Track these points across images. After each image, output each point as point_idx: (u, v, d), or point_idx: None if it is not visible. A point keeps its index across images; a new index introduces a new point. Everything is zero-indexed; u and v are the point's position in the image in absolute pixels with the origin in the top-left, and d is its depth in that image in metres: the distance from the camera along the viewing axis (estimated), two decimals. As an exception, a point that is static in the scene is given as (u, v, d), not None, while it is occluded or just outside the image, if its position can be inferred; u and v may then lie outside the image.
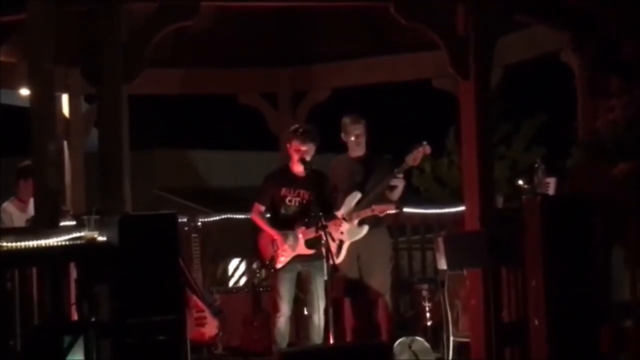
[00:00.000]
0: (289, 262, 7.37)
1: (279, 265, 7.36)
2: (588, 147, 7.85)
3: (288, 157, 7.46)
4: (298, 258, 7.38)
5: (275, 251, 7.35)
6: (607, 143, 7.70)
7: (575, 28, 8.03)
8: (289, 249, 7.33)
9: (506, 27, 7.95)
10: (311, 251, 7.32)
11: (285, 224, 7.39)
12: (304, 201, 7.39)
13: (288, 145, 7.41)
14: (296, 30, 9.87)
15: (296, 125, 7.55)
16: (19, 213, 8.10)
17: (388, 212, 7.58)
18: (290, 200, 7.40)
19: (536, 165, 7.37)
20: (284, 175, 7.45)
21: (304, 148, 7.30)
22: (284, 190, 7.40)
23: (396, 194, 7.58)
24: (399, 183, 7.55)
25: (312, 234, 7.25)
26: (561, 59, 8.46)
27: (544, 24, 8.19)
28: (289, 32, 9.91)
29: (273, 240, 7.37)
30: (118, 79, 7.00)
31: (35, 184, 7.05)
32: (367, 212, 7.55)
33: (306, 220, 7.28)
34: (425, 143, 7.56)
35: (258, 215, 7.46)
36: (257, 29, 9.67)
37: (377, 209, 7.53)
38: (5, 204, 8.30)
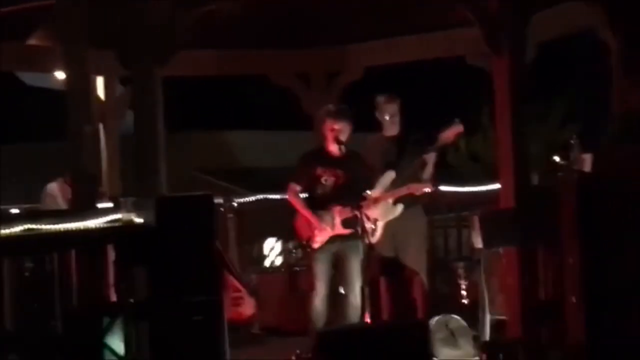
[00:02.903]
0: (325, 243, 7.39)
1: (315, 246, 7.37)
2: (624, 124, 7.79)
3: (322, 138, 7.46)
4: (334, 238, 7.39)
5: (312, 231, 7.37)
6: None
7: (612, 4, 7.94)
8: (327, 229, 7.33)
9: (541, 3, 7.89)
10: (347, 231, 7.32)
11: (320, 203, 7.40)
12: (340, 181, 7.39)
13: (322, 125, 7.42)
14: (328, 9, 9.83)
15: (329, 105, 7.55)
16: (64, 196, 8.17)
17: (424, 190, 7.58)
18: (325, 180, 7.41)
19: (572, 142, 7.32)
20: (319, 155, 7.45)
21: (337, 127, 7.30)
22: (319, 170, 7.40)
23: (427, 172, 7.57)
24: (430, 160, 7.54)
25: (347, 213, 7.26)
26: (598, 35, 8.37)
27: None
28: (322, 11, 9.87)
29: (308, 222, 7.39)
30: (152, 61, 7.03)
31: (72, 167, 7.11)
32: (403, 191, 7.55)
33: (346, 198, 7.28)
34: (458, 121, 7.54)
35: (294, 195, 7.46)
36: (289, 9, 9.64)
37: (413, 188, 7.52)
38: (51, 186, 8.38)
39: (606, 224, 6.59)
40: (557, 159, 7.84)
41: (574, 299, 6.61)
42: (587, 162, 7.48)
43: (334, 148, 7.38)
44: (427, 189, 7.59)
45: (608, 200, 6.63)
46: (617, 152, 7.63)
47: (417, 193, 7.58)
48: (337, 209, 7.36)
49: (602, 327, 6.55)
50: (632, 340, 6.56)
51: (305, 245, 7.43)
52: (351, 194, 7.24)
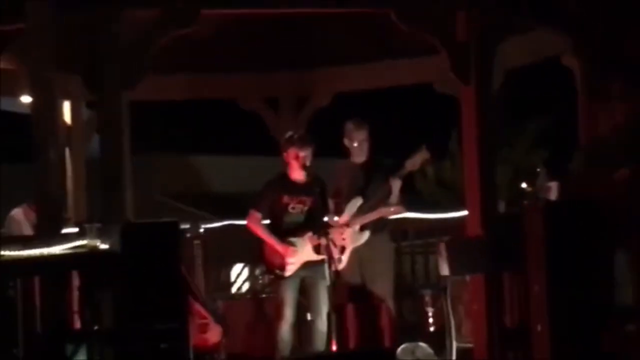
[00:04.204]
0: (295, 269, 7.36)
1: (287, 273, 7.33)
2: (590, 151, 7.85)
3: (286, 165, 7.45)
4: (304, 265, 7.36)
5: (283, 259, 7.34)
6: (609, 147, 7.69)
7: (576, 32, 8.01)
8: (299, 254, 7.31)
9: (507, 32, 7.95)
10: (319, 257, 7.27)
11: (289, 231, 7.37)
12: (306, 207, 7.39)
13: (285, 153, 7.40)
14: (298, 35, 9.86)
15: (290, 133, 7.53)
16: (29, 221, 8.10)
17: (395, 213, 7.59)
18: (293, 208, 7.39)
19: (538, 169, 7.36)
20: (284, 183, 7.43)
21: (302, 154, 7.30)
22: (286, 198, 7.38)
23: (393, 199, 7.57)
24: (395, 186, 7.54)
25: (317, 240, 7.24)
26: (562, 63, 8.44)
27: (545, 28, 8.18)
28: (291, 37, 9.90)
29: (276, 250, 7.35)
30: (118, 86, 7.01)
31: (37, 191, 7.05)
32: (374, 215, 7.55)
33: (315, 224, 7.26)
34: (424, 147, 7.56)
35: (256, 222, 7.42)
36: (258, 35, 9.67)
37: (384, 212, 7.53)
38: (15, 212, 8.31)
39: (571, 252, 6.62)
40: (524, 185, 7.88)
41: (539, 327, 6.63)
42: (553, 189, 7.52)
43: (299, 175, 7.37)
44: (399, 212, 7.59)
45: (573, 228, 6.66)
46: (583, 179, 7.69)
47: (388, 216, 7.59)
48: (308, 235, 7.34)
49: (568, 355, 6.57)
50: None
51: (277, 273, 7.37)
52: (318, 219, 7.23)
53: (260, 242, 7.46)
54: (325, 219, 7.44)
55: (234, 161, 20.12)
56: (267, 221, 7.48)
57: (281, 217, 7.39)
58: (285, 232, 7.36)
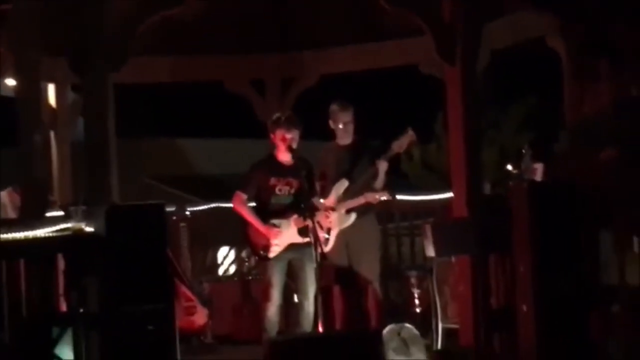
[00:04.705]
0: (281, 251, 7.36)
1: (272, 255, 7.34)
2: (575, 132, 7.87)
3: (273, 147, 7.45)
4: (290, 247, 7.37)
5: (268, 240, 7.35)
6: (595, 128, 7.71)
7: (562, 13, 8.02)
8: (282, 236, 7.31)
9: (493, 13, 7.95)
10: (304, 239, 7.29)
11: (276, 213, 7.38)
12: (293, 190, 7.39)
13: (272, 135, 7.41)
14: (284, 16, 9.84)
15: (278, 114, 7.53)
16: (13, 204, 8.08)
17: (380, 199, 7.59)
18: (280, 190, 7.39)
19: (523, 150, 7.38)
20: (271, 165, 7.44)
21: (289, 136, 7.31)
22: (273, 180, 7.38)
23: (379, 181, 7.57)
24: (381, 169, 7.54)
25: (303, 222, 7.25)
26: (547, 43, 8.44)
27: (531, 9, 8.17)
28: (277, 18, 9.88)
29: (260, 231, 7.36)
30: (103, 68, 6.99)
31: (22, 174, 7.04)
32: (360, 201, 7.55)
33: (302, 206, 7.26)
34: (410, 129, 7.56)
35: (241, 204, 7.42)
36: (244, 16, 9.64)
37: (370, 197, 7.53)
38: (0, 195, 8.27)
39: (557, 233, 6.65)
40: (509, 167, 7.90)
41: (525, 307, 6.65)
42: (538, 170, 7.54)
43: (285, 157, 7.37)
44: (384, 197, 7.59)
45: (559, 208, 6.68)
46: (568, 160, 7.71)
47: (374, 202, 7.59)
48: (293, 217, 7.35)
49: (553, 335, 6.60)
50: (583, 348, 6.62)
51: (262, 254, 7.39)
52: (305, 202, 7.24)
53: (245, 223, 7.47)
54: (322, 200, 7.44)
55: (220, 144, 20.12)
56: (253, 203, 7.49)
57: (268, 198, 7.39)
58: (272, 213, 7.37)
